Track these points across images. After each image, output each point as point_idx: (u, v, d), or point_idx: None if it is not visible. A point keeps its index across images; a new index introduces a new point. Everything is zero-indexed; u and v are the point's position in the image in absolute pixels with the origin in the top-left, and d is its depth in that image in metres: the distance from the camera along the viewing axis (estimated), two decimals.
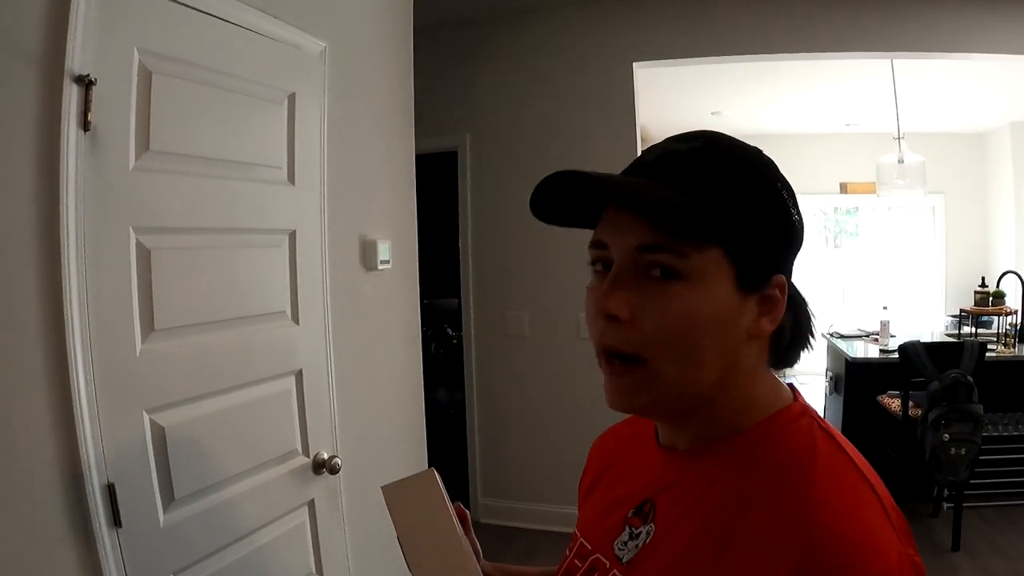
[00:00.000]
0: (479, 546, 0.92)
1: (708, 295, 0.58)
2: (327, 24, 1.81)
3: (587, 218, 0.65)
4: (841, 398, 4.12)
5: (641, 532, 0.66)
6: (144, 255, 1.29)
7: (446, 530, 0.71)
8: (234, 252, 1.51)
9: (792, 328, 0.67)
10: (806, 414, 0.64)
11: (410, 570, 0.70)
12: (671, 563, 0.61)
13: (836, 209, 7.36)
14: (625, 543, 0.67)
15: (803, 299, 0.69)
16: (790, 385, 0.68)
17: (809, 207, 7.04)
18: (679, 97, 4.97)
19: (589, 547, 0.72)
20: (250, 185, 1.55)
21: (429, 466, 2.42)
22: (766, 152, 0.64)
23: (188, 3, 1.37)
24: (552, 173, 0.60)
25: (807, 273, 7.24)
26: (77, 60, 1.15)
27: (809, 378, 6.81)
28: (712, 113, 5.49)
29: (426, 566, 0.69)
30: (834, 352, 4.38)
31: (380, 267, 2.03)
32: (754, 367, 0.64)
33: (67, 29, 1.13)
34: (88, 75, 1.16)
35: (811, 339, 0.69)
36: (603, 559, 0.69)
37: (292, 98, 1.67)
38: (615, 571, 0.66)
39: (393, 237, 2.11)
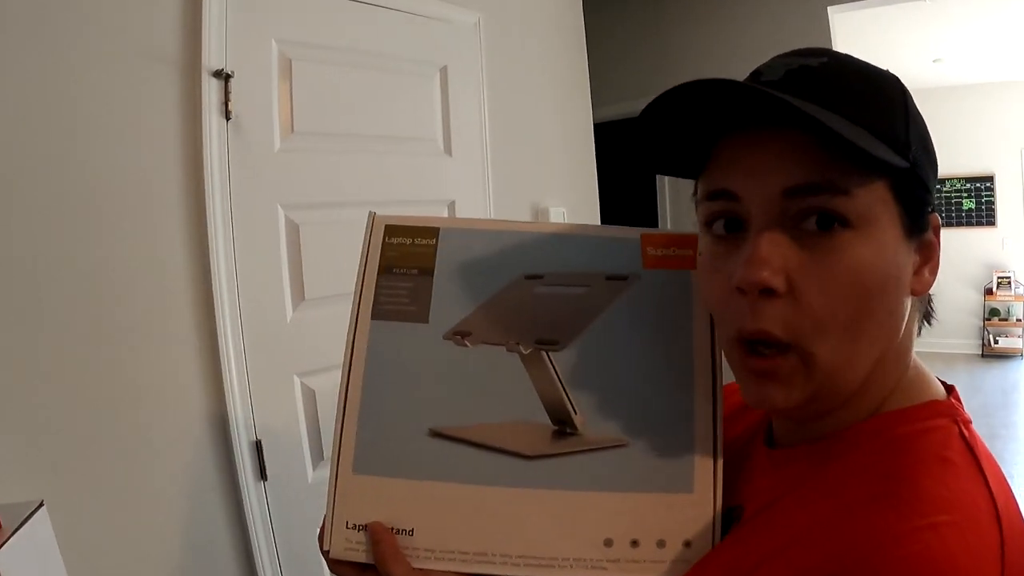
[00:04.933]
0: None
1: (878, 244, 0.43)
2: None
3: (685, 163, 0.52)
4: None
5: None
6: (293, 229, 1.38)
7: None
8: None
9: None
10: (949, 415, 0.46)
11: None
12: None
13: None
14: None
15: None
16: (941, 381, 0.51)
17: None
18: (893, 44, 4.27)
19: None
20: (402, 158, 1.58)
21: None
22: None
23: None
24: (675, 87, 0.43)
25: None
26: (213, 57, 1.27)
27: None
28: (934, 61, 4.67)
29: None
30: None
31: None
32: (908, 337, 0.48)
33: (201, 30, 1.26)
34: (223, 69, 1.28)
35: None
36: None
37: (444, 71, 1.67)
38: None
39: (569, 205, 2.01)
